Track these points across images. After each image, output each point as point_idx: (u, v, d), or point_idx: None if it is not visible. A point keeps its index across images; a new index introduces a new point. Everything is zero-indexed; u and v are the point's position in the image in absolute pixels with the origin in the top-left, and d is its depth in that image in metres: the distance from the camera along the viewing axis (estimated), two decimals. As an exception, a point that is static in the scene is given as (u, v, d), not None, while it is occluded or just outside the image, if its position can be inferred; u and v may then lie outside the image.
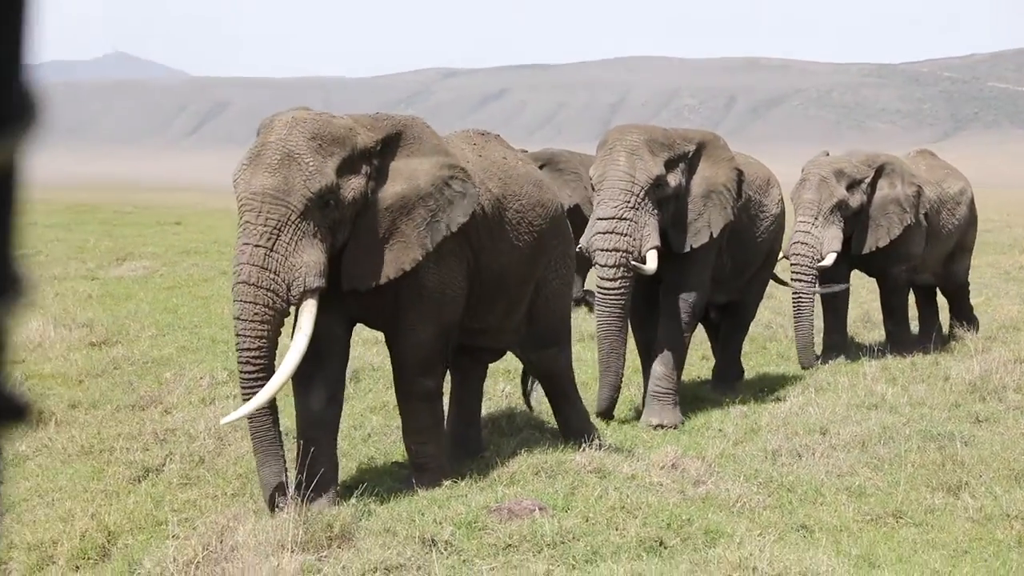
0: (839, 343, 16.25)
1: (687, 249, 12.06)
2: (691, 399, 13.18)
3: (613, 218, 11.59)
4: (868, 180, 15.52)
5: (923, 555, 8.25)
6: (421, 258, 8.48)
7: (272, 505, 8.15)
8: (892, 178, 15.70)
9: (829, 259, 15.06)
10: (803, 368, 15.27)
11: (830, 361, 15.57)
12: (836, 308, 16.34)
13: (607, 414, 12.08)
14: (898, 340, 16.21)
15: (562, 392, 10.57)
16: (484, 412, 11.69)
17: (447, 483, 9.58)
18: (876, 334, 17.61)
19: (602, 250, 11.64)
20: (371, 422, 11.21)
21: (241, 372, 8.19)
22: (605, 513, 8.77)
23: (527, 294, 9.85)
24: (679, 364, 12.58)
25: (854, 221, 15.38)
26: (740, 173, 12.51)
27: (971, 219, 17.74)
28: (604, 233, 11.63)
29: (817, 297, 15.90)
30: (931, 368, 15.11)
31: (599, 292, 12.12)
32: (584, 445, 10.69)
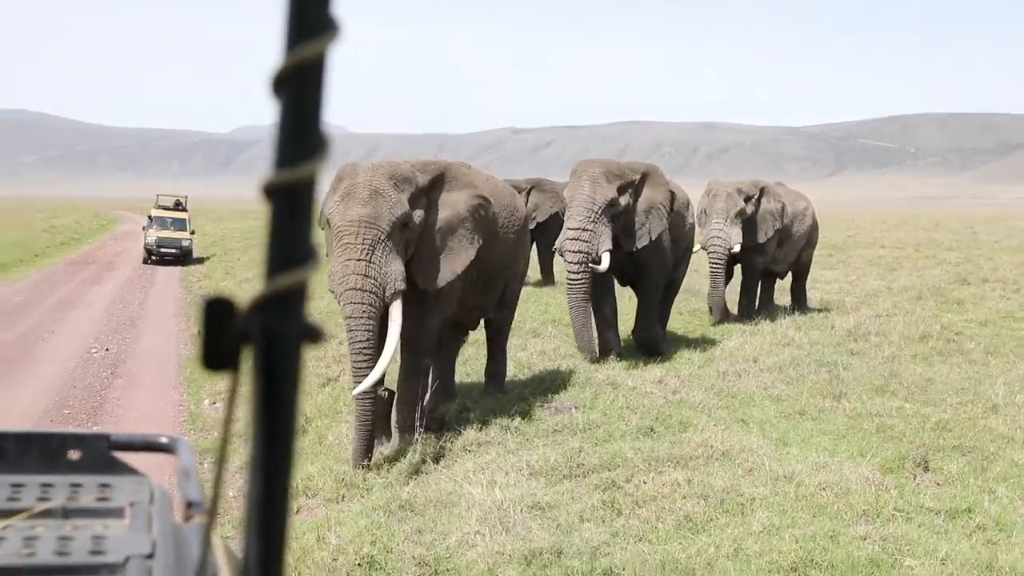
0: (747, 306, 15.83)
1: (634, 249, 11.60)
2: (673, 341, 13.42)
3: (578, 228, 11.21)
4: (755, 197, 15.25)
5: (817, 438, 8.40)
6: (468, 264, 8.09)
7: (356, 465, 7.44)
8: (769, 197, 15.48)
9: (736, 248, 14.79)
10: (712, 324, 14.92)
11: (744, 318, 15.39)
12: (746, 284, 16.01)
13: (601, 359, 11.45)
14: (747, 310, 15.71)
15: (502, 341, 9.91)
16: (535, 353, 12.04)
17: (513, 392, 9.94)
18: (789, 300, 17.80)
19: (570, 251, 11.25)
20: (467, 350, 11.46)
21: (354, 359, 7.50)
22: (616, 410, 9.07)
23: (508, 277, 9.32)
24: (655, 322, 12.21)
25: (747, 224, 15.10)
26: (673, 195, 12.00)
27: (813, 226, 17.21)
28: (571, 239, 11.25)
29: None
30: (822, 320, 15.25)
31: (568, 282, 11.63)
32: (607, 362, 11.12)
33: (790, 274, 17.35)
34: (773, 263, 16.19)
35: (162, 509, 1.17)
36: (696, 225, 14.00)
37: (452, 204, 8.11)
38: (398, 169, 7.80)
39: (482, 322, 9.80)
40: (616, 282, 12.39)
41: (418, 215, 7.78)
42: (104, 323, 15.90)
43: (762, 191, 15.52)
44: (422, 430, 8.10)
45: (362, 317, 7.38)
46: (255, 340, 0.51)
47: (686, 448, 7.73)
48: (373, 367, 7.40)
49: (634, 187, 11.70)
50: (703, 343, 13.24)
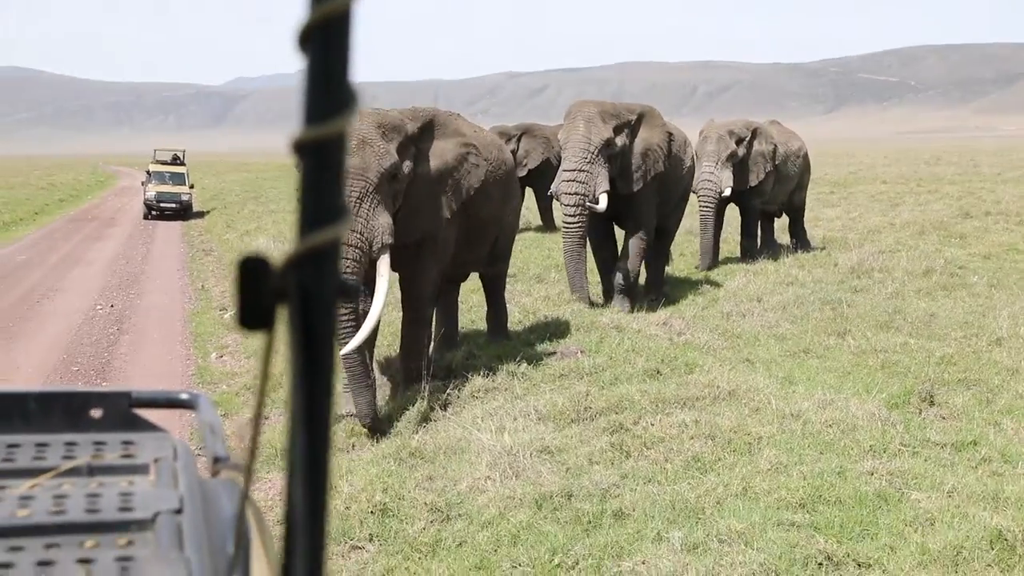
0: (748, 247, 15.75)
1: (631, 191, 11.28)
2: (676, 283, 13.47)
3: (574, 170, 10.95)
4: (747, 139, 14.95)
5: (823, 376, 8.43)
6: (451, 215, 7.87)
7: (372, 429, 7.23)
8: (761, 138, 15.20)
9: (727, 192, 14.51)
10: (700, 269, 14.66)
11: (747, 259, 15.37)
12: (746, 225, 15.89)
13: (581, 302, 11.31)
14: (749, 250, 15.66)
15: (500, 291, 9.78)
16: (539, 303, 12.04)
17: (518, 337, 9.98)
18: (788, 240, 17.78)
19: (566, 193, 10.98)
20: (472, 298, 11.55)
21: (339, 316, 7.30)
22: (622, 354, 9.10)
23: (497, 231, 9.06)
24: (636, 273, 11.75)
25: (739, 166, 14.82)
26: (671, 135, 11.71)
27: (806, 166, 16.92)
28: (567, 181, 10.98)
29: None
30: (825, 258, 15.24)
31: (563, 226, 11.33)
32: (612, 308, 11.13)
33: (786, 215, 17.19)
34: (767, 203, 16.03)
35: (186, 465, 1.18)
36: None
37: (440, 153, 7.86)
38: (387, 117, 7.44)
39: (480, 275, 9.75)
40: (616, 226, 12.20)
41: (407, 166, 7.46)
42: (108, 279, 15.92)
43: (754, 132, 15.22)
44: (429, 379, 8.01)
45: (345, 272, 6.81)
46: (291, 298, 0.51)
47: (692, 389, 7.78)
48: (358, 324, 7.11)
49: (630, 127, 11.41)
50: (706, 284, 13.26)
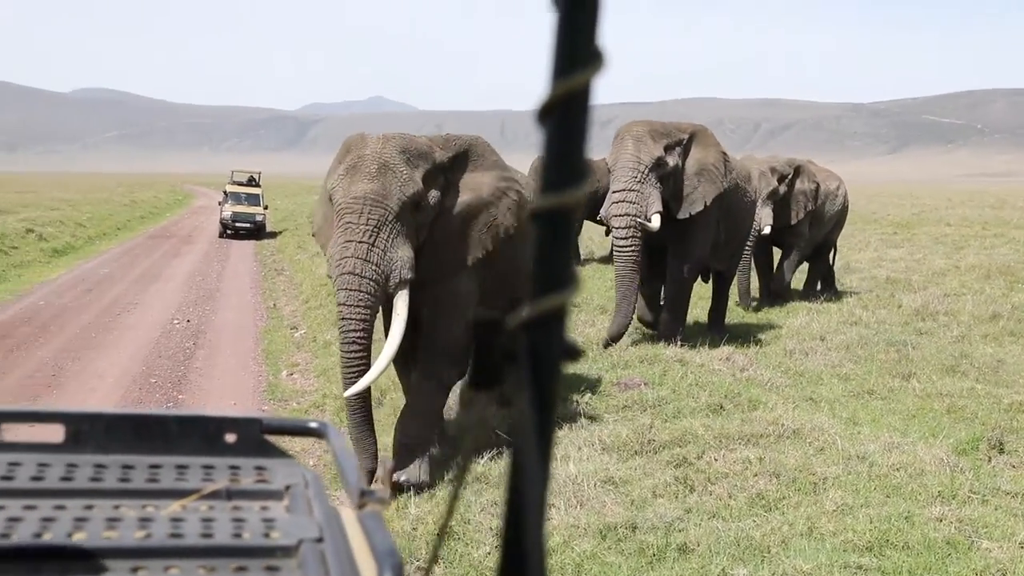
0: (778, 288, 15.05)
1: (687, 216, 10.48)
2: (735, 319, 13.31)
3: (623, 190, 10.21)
4: (789, 176, 14.39)
5: (888, 418, 8.26)
6: (481, 256, 6.77)
7: (365, 470, 6.20)
8: (804, 176, 14.66)
9: (766, 230, 13.79)
10: (737, 304, 13.95)
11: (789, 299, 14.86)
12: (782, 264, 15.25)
13: (614, 341, 10.48)
14: (778, 291, 15.04)
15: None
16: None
17: (581, 367, 9.92)
18: (854, 278, 17.50)
19: (616, 215, 10.25)
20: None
21: (345, 353, 6.32)
22: (685, 387, 9.03)
23: (522, 281, 6.96)
24: (682, 312, 11.11)
25: (779, 204, 14.19)
26: (726, 156, 10.87)
27: (844, 208, 16.07)
28: (617, 203, 10.25)
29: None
30: (889, 299, 14.95)
31: (615, 250, 10.59)
32: (672, 343, 10.90)
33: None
34: (802, 243, 15.29)
35: (318, 493, 1.20)
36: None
37: (475, 187, 6.88)
38: (413, 143, 6.65)
39: None
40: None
41: (433, 196, 6.59)
42: (184, 295, 16.23)
43: (797, 170, 14.60)
44: (435, 451, 6.97)
45: (357, 305, 6.23)
46: (521, 359, 0.52)
47: (756, 426, 7.68)
48: (366, 364, 6.33)
49: (682, 146, 10.62)
50: (768, 321, 13.11)
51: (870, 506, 6.05)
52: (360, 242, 6.23)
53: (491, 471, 6.75)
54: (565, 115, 0.51)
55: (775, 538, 5.55)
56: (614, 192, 10.42)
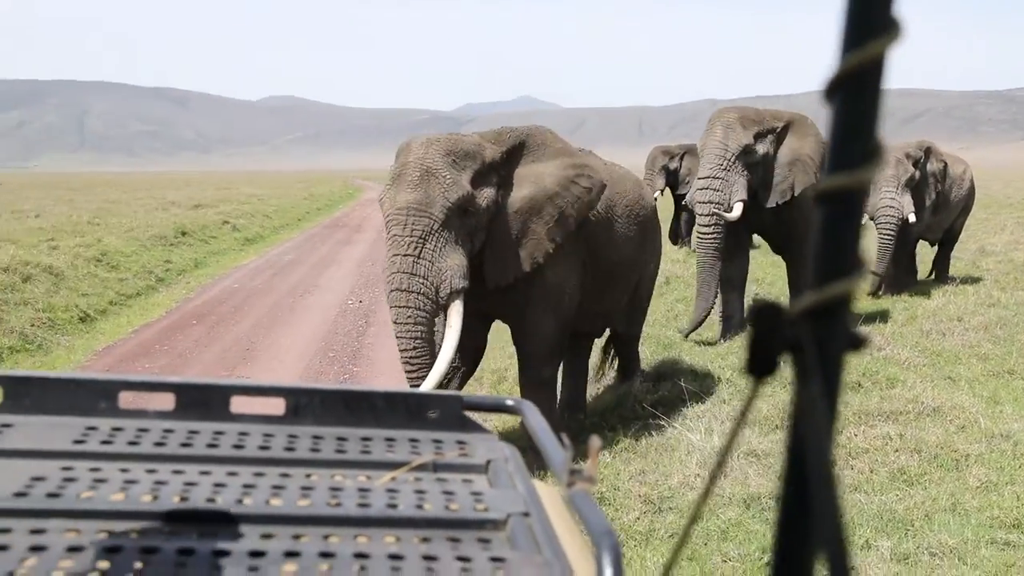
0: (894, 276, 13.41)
1: (773, 205, 9.67)
2: (872, 300, 12.72)
3: (708, 177, 9.51)
4: (921, 160, 12.84)
5: None
6: (552, 251, 6.04)
7: None
8: (932, 158, 13.18)
9: (912, 218, 12.43)
10: (867, 294, 12.58)
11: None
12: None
13: (694, 328, 9.82)
14: (895, 280, 13.33)
15: (635, 356, 7.82)
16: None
17: (724, 344, 9.67)
18: (990, 260, 16.44)
19: (699, 202, 9.59)
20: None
21: (406, 370, 5.77)
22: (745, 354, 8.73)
23: (635, 279, 7.18)
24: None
25: (915, 192, 12.66)
26: (825, 145, 10.42)
27: (970, 192, 14.46)
28: (701, 189, 9.57)
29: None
30: (1027, 280, 14.11)
31: (697, 237, 9.96)
32: (731, 332, 10.39)
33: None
34: (927, 231, 13.83)
35: (518, 468, 1.17)
36: None
37: (536, 178, 6.11)
38: (459, 143, 5.89)
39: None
40: (770, 247, 10.94)
41: (485, 196, 5.86)
42: (356, 278, 16.70)
43: (927, 152, 13.15)
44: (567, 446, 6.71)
45: (408, 323, 5.63)
46: (803, 349, 0.46)
47: (895, 403, 7.30)
48: (428, 370, 5.71)
49: (775, 135, 9.75)
50: (903, 303, 12.45)
51: (1015, 483, 5.66)
52: (406, 255, 5.59)
53: (638, 441, 6.66)
54: (857, 89, 0.44)
55: (918, 512, 5.26)
56: (699, 179, 9.74)
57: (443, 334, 5.78)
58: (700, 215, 9.72)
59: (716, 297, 9.81)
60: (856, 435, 6.60)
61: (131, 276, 14.80)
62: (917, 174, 12.90)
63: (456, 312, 5.69)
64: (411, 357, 5.69)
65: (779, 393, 7.73)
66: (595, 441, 0.93)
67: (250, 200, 34.84)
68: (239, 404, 1.30)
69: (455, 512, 1.02)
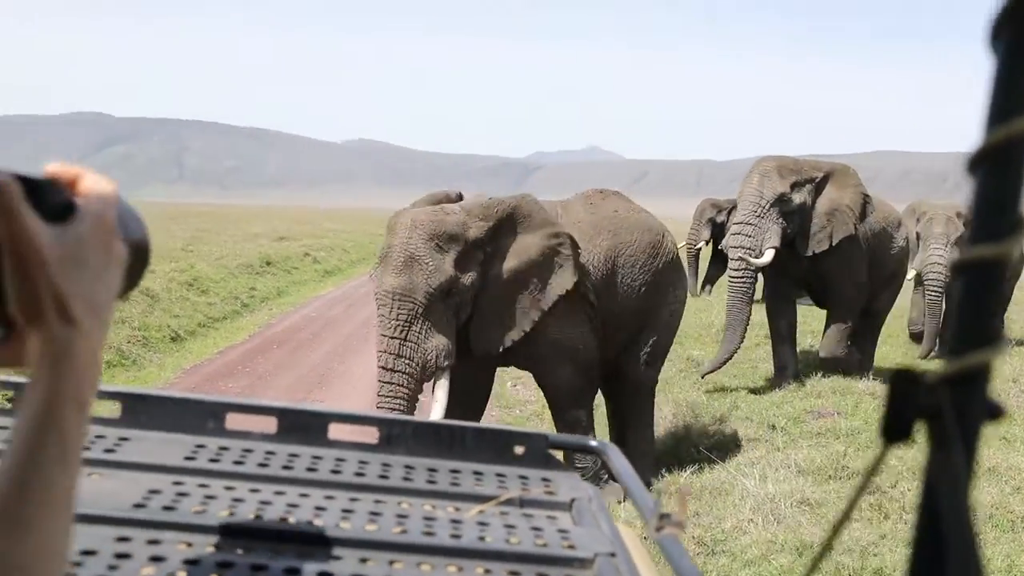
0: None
1: (810, 253, 9.42)
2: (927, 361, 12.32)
3: (741, 223, 9.36)
4: None
5: None
6: (538, 319, 5.99)
7: None
8: None
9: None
10: (920, 357, 12.17)
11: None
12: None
13: (713, 370, 9.49)
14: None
15: (639, 408, 6.98)
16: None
17: (775, 394, 9.43)
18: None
19: (732, 247, 9.45)
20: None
21: None
22: (878, 419, 8.45)
23: (639, 325, 6.77)
24: (842, 342, 9.98)
25: None
26: (865, 198, 9.58)
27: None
28: (734, 235, 9.44)
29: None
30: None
31: (729, 280, 9.70)
32: (866, 376, 10.07)
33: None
34: None
35: (601, 508, 1.15)
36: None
37: (522, 250, 6.02)
38: (442, 226, 5.76)
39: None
40: (813, 303, 10.71)
41: (469, 276, 5.82)
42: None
43: None
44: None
45: (394, 398, 5.68)
46: (941, 416, 0.45)
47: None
48: None
49: (814, 185, 9.52)
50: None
51: (1072, 548, 5.40)
52: (392, 338, 5.66)
53: (692, 483, 6.54)
54: (1001, 162, 0.43)
55: (973, 571, 5.04)
56: (734, 224, 9.63)
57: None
58: (732, 259, 9.56)
59: (741, 342, 9.59)
60: (910, 489, 6.38)
61: (219, 301, 15.15)
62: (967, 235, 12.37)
63: (442, 389, 5.75)
64: None
65: (832, 444, 7.55)
66: (685, 489, 0.92)
67: (330, 234, 35.48)
68: (336, 431, 1.31)
69: (543, 548, 1.00)
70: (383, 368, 5.68)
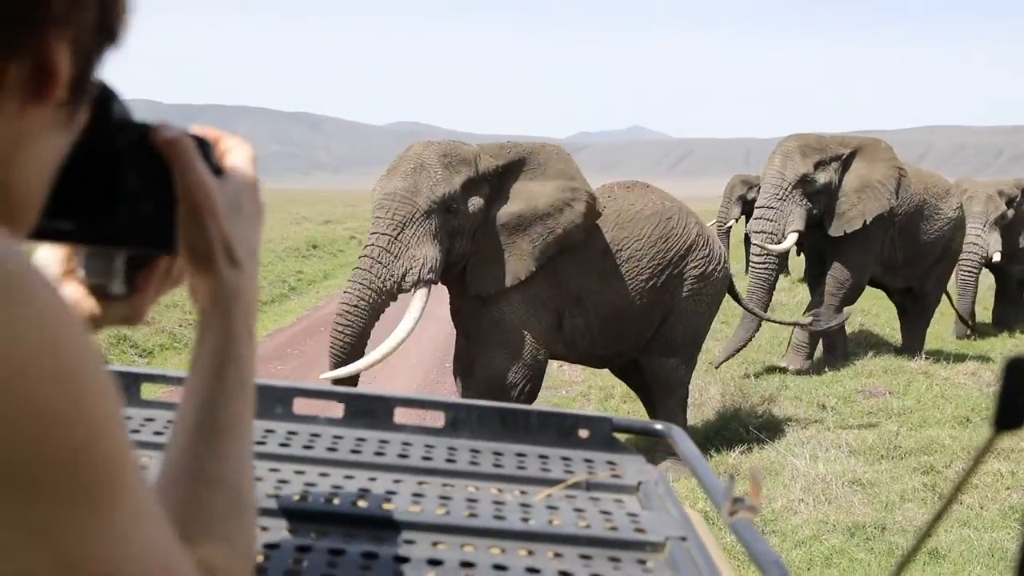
0: (1002, 316, 12.78)
1: (841, 233, 8.95)
2: (984, 334, 12.06)
3: (763, 207, 8.92)
4: (1016, 199, 11.95)
5: None
6: (534, 269, 5.68)
7: None
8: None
9: (996, 257, 11.54)
10: (956, 336, 11.94)
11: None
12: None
13: (725, 360, 8.77)
14: (1005, 319, 12.73)
15: (662, 401, 6.55)
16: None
17: (826, 374, 9.29)
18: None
19: (754, 232, 9.03)
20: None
21: (336, 329, 5.46)
22: (931, 399, 8.27)
23: (655, 318, 6.32)
24: (825, 323, 9.10)
25: (1006, 230, 11.81)
26: (900, 171, 9.07)
27: None
28: (756, 219, 9.03)
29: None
30: None
31: (751, 267, 9.27)
32: (917, 354, 9.92)
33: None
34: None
35: (668, 491, 1.15)
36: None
37: (529, 196, 5.76)
38: (457, 148, 5.69)
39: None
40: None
41: (473, 203, 5.59)
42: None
43: (1018, 190, 12.14)
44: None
45: (362, 283, 5.42)
46: None
47: (1006, 440, 6.82)
48: (353, 352, 5.42)
49: (841, 162, 9.05)
50: (1011, 340, 11.81)
51: None
52: (383, 234, 5.43)
53: (742, 463, 6.50)
54: None
55: (1031, 552, 4.95)
56: (756, 208, 9.22)
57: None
58: (753, 244, 9.14)
59: (757, 330, 8.79)
60: (964, 471, 6.27)
61: (267, 284, 15.36)
62: (1010, 213, 11.92)
63: (419, 300, 5.52)
64: (344, 325, 5.43)
65: (885, 424, 7.45)
66: (757, 472, 0.91)
67: (375, 217, 35.63)
68: (401, 415, 1.32)
69: (614, 532, 1.00)
70: (366, 256, 5.46)
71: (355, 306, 5.40)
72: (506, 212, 5.71)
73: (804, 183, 8.84)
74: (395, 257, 5.38)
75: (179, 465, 0.63)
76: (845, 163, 9.11)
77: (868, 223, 8.92)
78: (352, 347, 5.41)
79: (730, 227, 16.55)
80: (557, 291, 5.93)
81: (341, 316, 5.46)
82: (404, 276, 5.41)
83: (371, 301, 5.39)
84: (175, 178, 0.64)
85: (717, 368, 8.85)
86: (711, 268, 6.51)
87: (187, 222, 0.65)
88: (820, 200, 8.93)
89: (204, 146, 0.67)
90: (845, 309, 9.52)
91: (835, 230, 9.03)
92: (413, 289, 5.47)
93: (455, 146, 5.69)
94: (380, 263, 5.40)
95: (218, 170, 0.69)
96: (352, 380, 5.39)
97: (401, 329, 5.58)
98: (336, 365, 5.42)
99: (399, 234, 5.40)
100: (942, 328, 11.90)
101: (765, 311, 8.76)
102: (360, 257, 5.55)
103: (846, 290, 9.40)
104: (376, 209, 5.56)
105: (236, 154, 0.72)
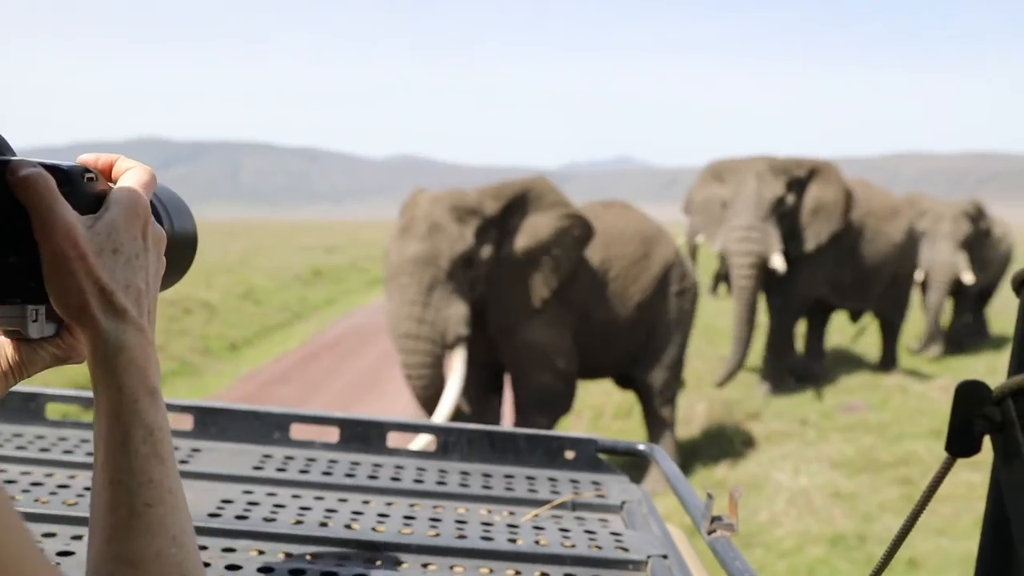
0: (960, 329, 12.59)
1: (797, 253, 8.90)
2: (954, 352, 12.11)
3: (747, 227, 8.61)
4: (975, 217, 11.70)
5: None
6: (549, 295, 5.86)
7: None
8: (984, 219, 12.00)
9: (967, 279, 11.36)
10: (918, 350, 11.79)
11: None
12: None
13: (726, 380, 8.51)
14: (960, 333, 12.59)
15: (654, 411, 6.65)
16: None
17: (807, 390, 9.28)
18: None
19: (740, 252, 8.64)
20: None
21: (418, 390, 5.67)
22: (907, 413, 8.29)
23: (641, 332, 6.48)
24: (783, 348, 9.37)
25: (971, 249, 11.65)
26: (849, 195, 8.96)
27: (1008, 253, 12.95)
28: (740, 239, 8.63)
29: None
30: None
31: (737, 288, 8.79)
32: (893, 370, 9.94)
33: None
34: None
35: (651, 510, 1.13)
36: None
37: (533, 229, 5.89)
38: (463, 199, 5.77)
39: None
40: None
41: (487, 250, 5.75)
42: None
43: (979, 212, 11.98)
44: None
45: (418, 365, 5.59)
46: (1008, 428, 0.43)
47: (980, 454, 6.88)
48: (437, 395, 5.66)
49: (800, 184, 8.97)
50: (984, 355, 11.82)
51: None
52: (414, 303, 5.56)
53: (728, 478, 6.47)
54: None
55: (1005, 560, 4.93)
56: (735, 227, 8.74)
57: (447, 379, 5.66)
58: (741, 266, 8.71)
59: (749, 348, 8.69)
60: (940, 481, 6.25)
61: (272, 310, 15.32)
62: (972, 232, 11.78)
63: (459, 358, 5.60)
64: (423, 398, 5.64)
65: (863, 437, 7.43)
66: (735, 491, 0.90)
67: (375, 245, 35.72)
68: (394, 439, 1.31)
69: (598, 551, 0.99)
70: (406, 335, 5.56)
71: (423, 384, 5.60)
72: (515, 249, 5.85)
73: (779, 204, 8.79)
74: (432, 324, 5.55)
75: (97, 552, 0.54)
76: (803, 185, 9.05)
77: (823, 244, 8.87)
78: (434, 398, 5.62)
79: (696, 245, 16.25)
80: (568, 309, 6.09)
81: (416, 394, 5.69)
82: (444, 339, 5.56)
83: (427, 375, 5.58)
84: (32, 222, 0.54)
85: (720, 386, 8.72)
86: (686, 284, 6.68)
87: (51, 270, 0.55)
88: (785, 221, 8.91)
89: (76, 178, 0.57)
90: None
91: (794, 250, 8.93)
92: (453, 345, 5.59)
93: (459, 197, 5.78)
94: (419, 338, 5.54)
95: (99, 202, 0.58)
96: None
97: (450, 388, 5.62)
98: (430, 414, 5.63)
99: (428, 299, 5.55)
100: (907, 339, 11.86)
101: (750, 336, 8.67)
102: (399, 335, 5.63)
103: (792, 312, 9.35)
104: (399, 274, 5.64)
105: (129, 178, 0.61)
